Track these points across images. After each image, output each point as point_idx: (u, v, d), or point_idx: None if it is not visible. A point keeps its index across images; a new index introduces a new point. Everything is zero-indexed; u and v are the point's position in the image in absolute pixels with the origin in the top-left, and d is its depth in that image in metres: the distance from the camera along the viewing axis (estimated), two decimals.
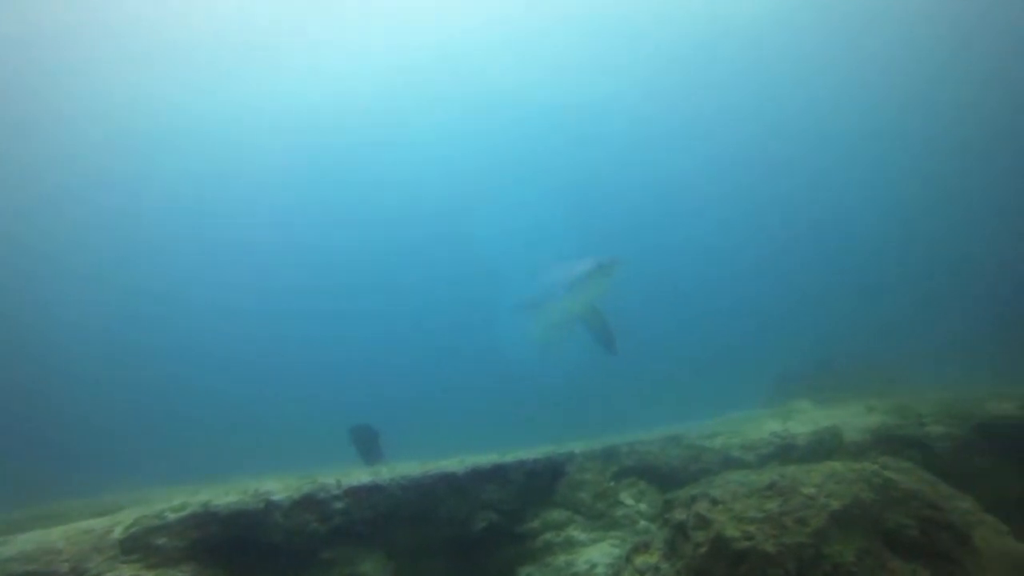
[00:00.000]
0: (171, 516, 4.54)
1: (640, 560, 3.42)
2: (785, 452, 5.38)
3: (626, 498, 5.60)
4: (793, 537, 2.54)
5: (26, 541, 4.55)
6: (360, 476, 5.59)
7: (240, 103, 28.54)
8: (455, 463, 5.95)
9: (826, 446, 5.24)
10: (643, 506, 5.51)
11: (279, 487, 5.05)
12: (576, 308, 10.26)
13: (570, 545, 5.41)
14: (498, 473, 5.77)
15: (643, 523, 5.34)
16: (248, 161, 31.71)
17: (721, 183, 32.94)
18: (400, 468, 6.18)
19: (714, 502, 2.95)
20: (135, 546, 4.48)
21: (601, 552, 5.19)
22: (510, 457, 5.96)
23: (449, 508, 5.52)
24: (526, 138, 33.61)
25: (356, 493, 5.16)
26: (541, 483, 5.86)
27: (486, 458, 6.11)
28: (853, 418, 5.84)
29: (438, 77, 29.05)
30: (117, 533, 4.60)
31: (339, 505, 4.99)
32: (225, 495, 5.00)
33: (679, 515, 3.03)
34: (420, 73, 28.78)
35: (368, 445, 8.75)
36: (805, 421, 5.86)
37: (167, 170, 30.32)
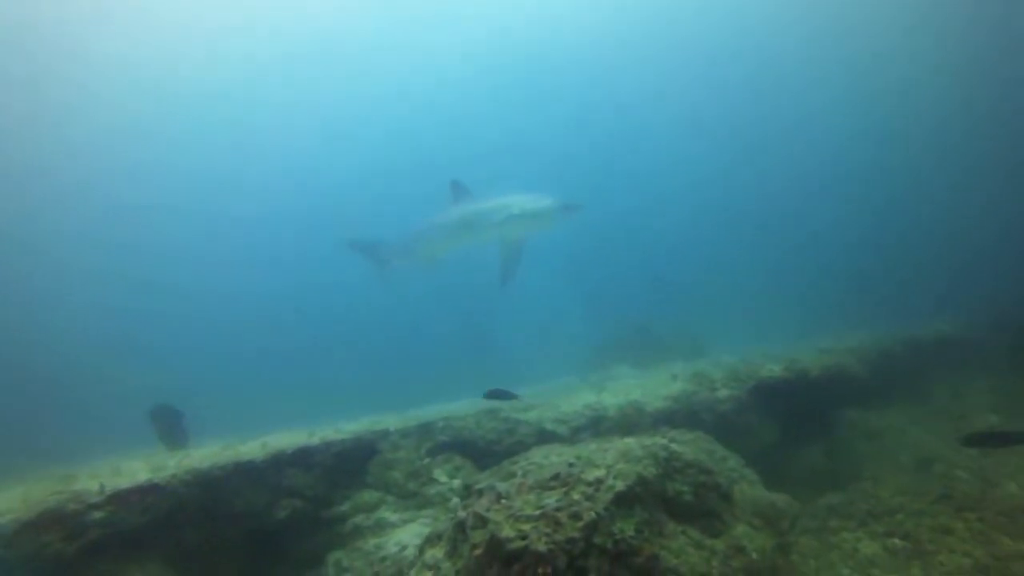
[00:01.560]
0: None
1: (430, 554, 3.27)
2: (596, 424, 5.60)
3: (440, 475, 5.48)
4: (565, 532, 2.51)
5: None
6: (136, 473, 4.82)
7: None
8: (256, 447, 5.40)
9: (630, 419, 5.54)
10: (457, 482, 5.43)
11: (8, 505, 4.10)
12: (519, 233, 9.64)
13: (380, 527, 5.20)
14: (303, 457, 5.34)
15: (456, 500, 5.26)
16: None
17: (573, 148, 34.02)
18: (196, 455, 5.47)
19: (498, 497, 2.85)
20: None
21: (412, 533, 5.04)
22: (317, 438, 5.54)
23: (246, 499, 4.99)
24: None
25: (124, 497, 4.40)
26: (351, 464, 5.54)
27: (293, 438, 5.62)
28: (659, 386, 6.25)
29: None
30: None
31: (98, 515, 4.20)
32: None
33: (461, 513, 2.90)
34: None
35: (169, 428, 7.72)
36: (617, 392, 6.15)
37: None
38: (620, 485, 3.22)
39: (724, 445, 5.25)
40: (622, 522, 3.16)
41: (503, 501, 2.79)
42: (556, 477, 2.95)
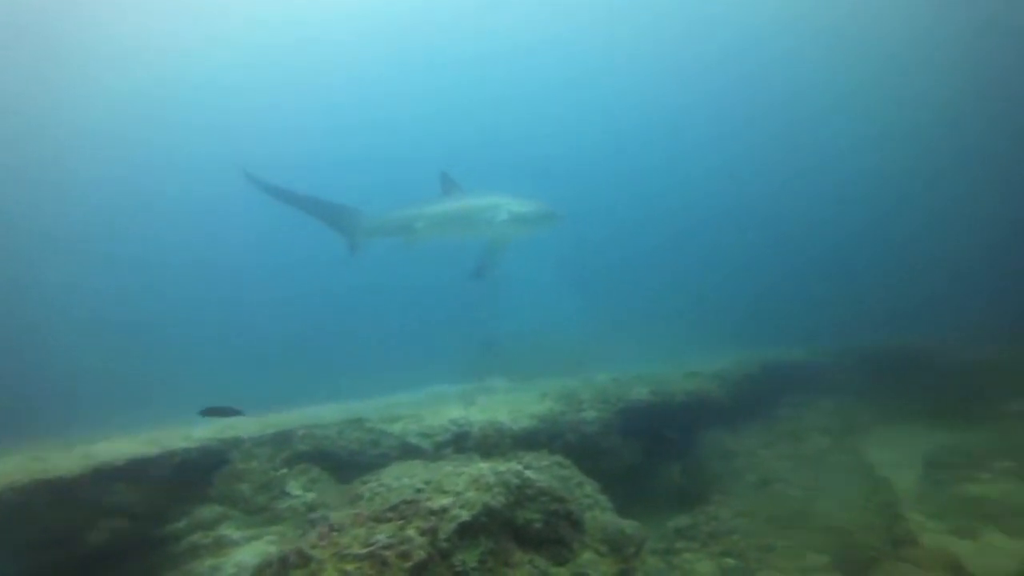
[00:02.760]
0: None
1: None
2: (459, 440, 5.51)
3: (294, 488, 5.14)
4: (391, 574, 2.37)
5: None
6: None
7: None
8: (75, 460, 4.75)
9: (491, 440, 5.51)
10: (312, 496, 5.11)
11: None
12: (510, 235, 9.81)
13: (219, 546, 4.77)
14: (136, 469, 4.78)
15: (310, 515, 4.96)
16: None
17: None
18: None
19: (331, 530, 2.67)
20: None
21: (255, 552, 4.67)
22: (157, 447, 5.00)
23: (47, 523, 4.34)
24: None
25: None
26: (194, 476, 5.04)
27: (127, 447, 5.03)
28: (528, 404, 6.28)
29: None
30: None
31: None
32: None
33: (285, 547, 2.68)
34: None
35: None
36: (486, 408, 6.10)
37: None
38: (465, 515, 3.14)
39: (588, 465, 5.33)
40: (465, 553, 3.09)
41: (334, 535, 2.61)
42: (395, 508, 2.82)
